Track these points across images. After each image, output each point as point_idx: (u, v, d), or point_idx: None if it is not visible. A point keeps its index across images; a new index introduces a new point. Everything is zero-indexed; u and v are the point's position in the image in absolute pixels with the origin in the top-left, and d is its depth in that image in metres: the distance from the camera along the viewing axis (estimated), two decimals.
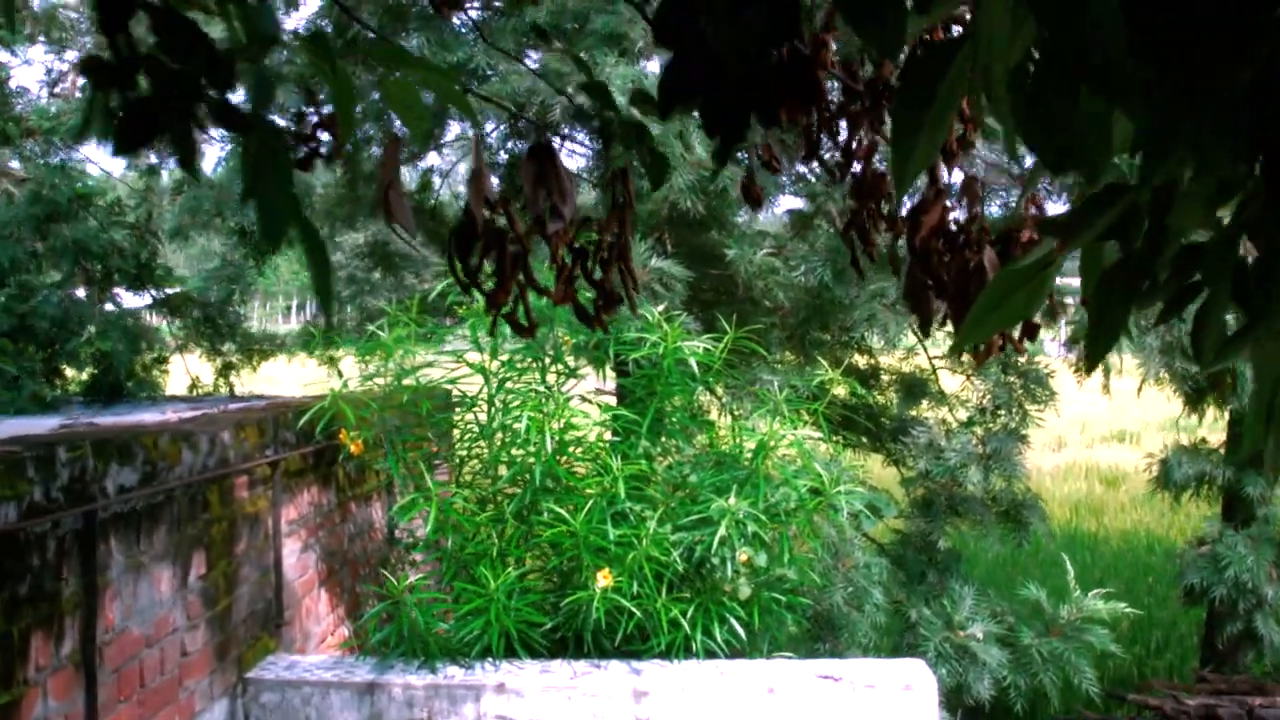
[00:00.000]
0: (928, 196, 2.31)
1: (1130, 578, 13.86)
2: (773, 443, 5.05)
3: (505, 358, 5.55)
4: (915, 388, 7.54)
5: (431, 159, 10.22)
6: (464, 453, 5.63)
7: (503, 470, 5.35)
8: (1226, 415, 9.06)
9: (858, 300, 6.69)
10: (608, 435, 5.52)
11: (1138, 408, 23.04)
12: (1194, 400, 8.98)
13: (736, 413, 6.33)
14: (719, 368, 5.46)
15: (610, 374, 7.46)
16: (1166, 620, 11.74)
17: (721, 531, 4.80)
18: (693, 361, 5.26)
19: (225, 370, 9.68)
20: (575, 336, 5.61)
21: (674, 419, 5.56)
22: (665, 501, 5.17)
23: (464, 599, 4.99)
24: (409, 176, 10.67)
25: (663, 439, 5.63)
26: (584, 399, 5.70)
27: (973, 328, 1.67)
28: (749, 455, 5.26)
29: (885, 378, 8.02)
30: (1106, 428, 26.17)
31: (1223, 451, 8.23)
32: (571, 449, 5.35)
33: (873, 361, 8.09)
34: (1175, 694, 8.21)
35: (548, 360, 5.59)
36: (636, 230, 6.33)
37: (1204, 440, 8.35)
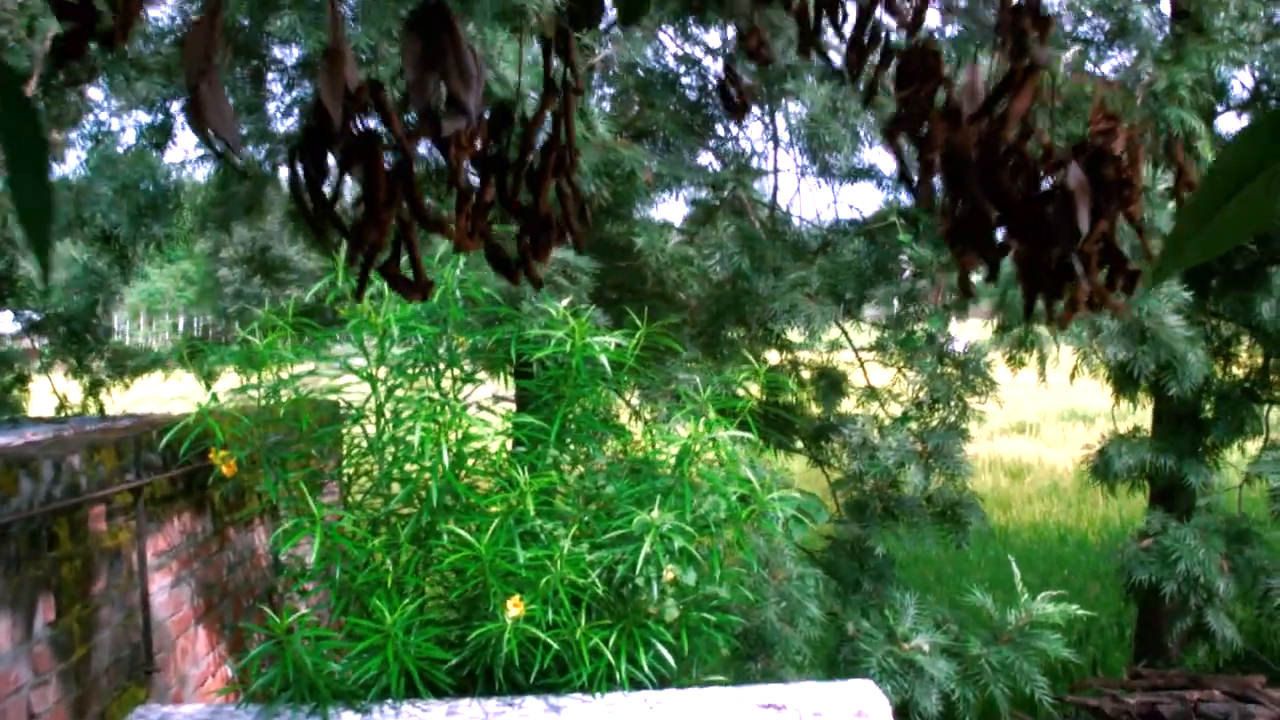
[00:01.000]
0: (1016, 70, 1.58)
1: (1045, 570, 13.59)
2: (697, 447, 4.52)
3: (395, 364, 4.99)
4: (836, 383, 7.10)
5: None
6: (351, 470, 5.06)
7: (396, 488, 4.77)
8: (1152, 404, 8.75)
9: (777, 290, 6.21)
10: (510, 445, 4.97)
11: (1033, 400, 22.99)
12: (1123, 386, 8.65)
13: (650, 415, 5.82)
14: (632, 366, 4.95)
15: (510, 381, 6.95)
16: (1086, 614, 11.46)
17: (646, 548, 4.27)
18: (604, 360, 4.73)
19: (94, 388, 8.99)
20: (471, 337, 5.05)
21: (584, 424, 5.03)
22: (579, 517, 4.64)
23: (358, 634, 4.41)
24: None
25: (572, 446, 5.10)
26: (482, 407, 5.15)
27: (1188, 245, 1.11)
28: (670, 462, 4.74)
29: (806, 374, 7.54)
30: (1005, 420, 26.13)
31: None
32: (471, 462, 4.80)
33: (790, 357, 7.60)
34: (1112, 692, 7.87)
35: (442, 366, 5.03)
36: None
37: (1137, 429, 7.99)
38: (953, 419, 6.33)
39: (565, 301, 4.91)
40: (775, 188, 7.46)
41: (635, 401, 6.32)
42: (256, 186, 9.10)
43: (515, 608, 4.23)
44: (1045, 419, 26.39)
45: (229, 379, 5.72)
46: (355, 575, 4.58)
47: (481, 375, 5.43)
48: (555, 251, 5.84)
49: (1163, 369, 6.68)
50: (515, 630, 4.22)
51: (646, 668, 4.48)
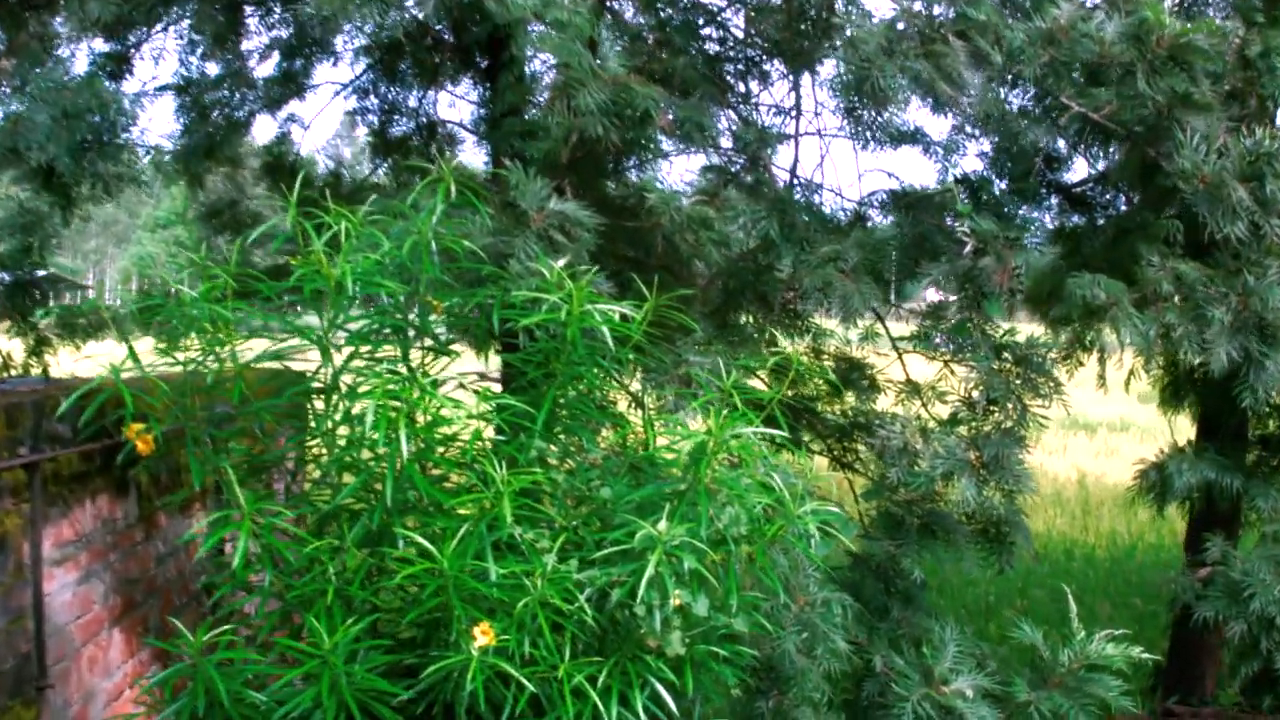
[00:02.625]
0: None
1: (1053, 586, 12.73)
2: (714, 444, 3.65)
3: (355, 328, 4.15)
4: (871, 377, 6.24)
5: (291, 106, 8.81)
6: (298, 455, 4.22)
7: (349, 479, 3.92)
8: (1196, 415, 7.92)
9: (807, 265, 5.34)
10: (489, 432, 4.12)
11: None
12: (1171, 395, 7.82)
13: (656, 404, 4.98)
14: (637, 343, 4.11)
15: (494, 359, 6.11)
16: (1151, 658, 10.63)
17: (650, 569, 3.42)
18: (605, 332, 3.88)
19: (38, 347, 8.13)
20: (447, 299, 4.21)
21: (578, 410, 4.18)
22: (567, 525, 3.80)
23: (294, 659, 3.58)
24: (266, 127, 9.33)
25: (562, 437, 4.25)
26: (461, 385, 4.30)
27: None
28: (680, 461, 3.88)
29: (829, 364, 6.66)
30: None
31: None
32: (441, 451, 3.95)
33: (814, 346, 6.71)
34: None
35: (411, 333, 4.19)
36: (530, 166, 4.93)
37: (1188, 443, 7.14)
38: (1009, 423, 5.48)
39: (562, 262, 4.05)
40: (795, 160, 6.62)
41: (636, 387, 5.46)
42: (223, 131, 8.30)
43: (483, 635, 3.40)
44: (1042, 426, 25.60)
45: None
46: (290, 585, 3.75)
47: (459, 348, 4.60)
48: (553, 202, 4.99)
49: (1233, 375, 5.86)
50: (482, 665, 3.38)
51: (641, 711, 3.65)
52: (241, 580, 3.76)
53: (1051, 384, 5.63)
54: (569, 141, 5.37)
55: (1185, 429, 8.00)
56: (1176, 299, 5.83)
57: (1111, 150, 6.43)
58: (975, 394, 5.52)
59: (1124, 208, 7.13)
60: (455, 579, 3.40)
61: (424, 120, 9.00)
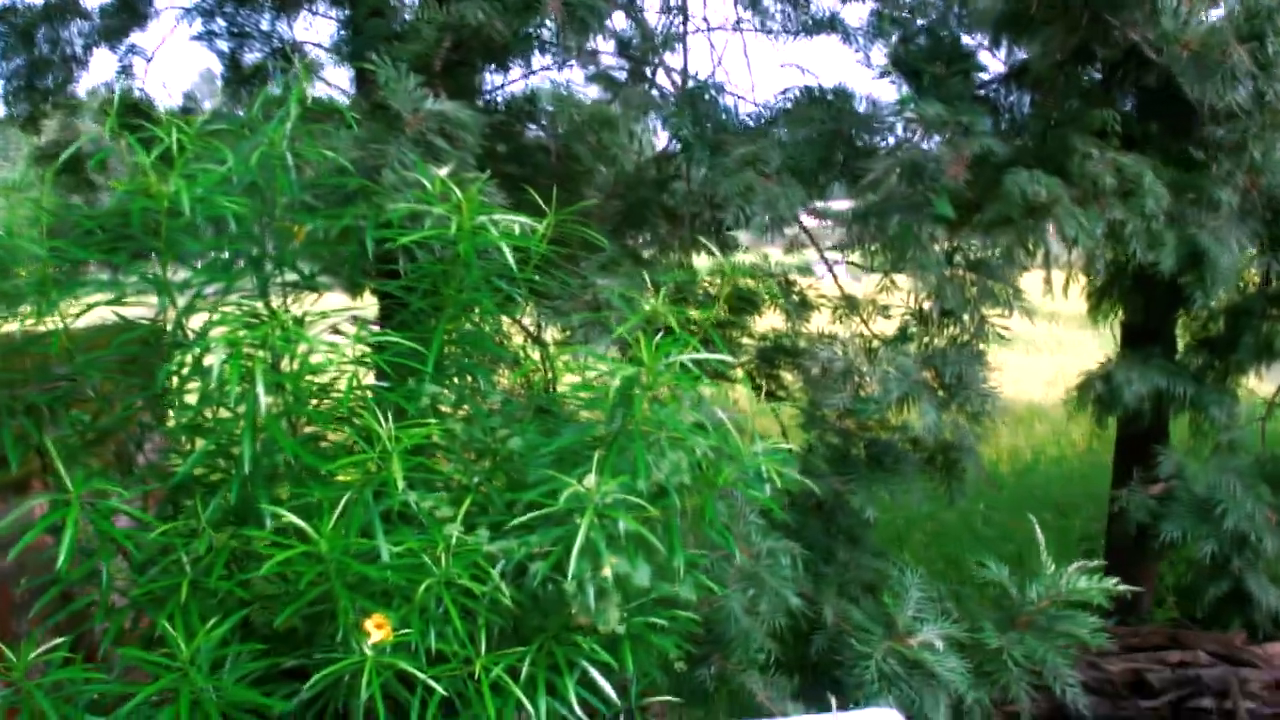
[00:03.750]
0: None
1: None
2: (648, 376, 2.99)
3: (200, 264, 3.43)
4: (785, 291, 5.59)
5: (134, 37, 7.99)
6: (143, 422, 3.50)
7: (200, 444, 3.20)
8: (1120, 320, 7.40)
9: (723, 170, 4.67)
10: (369, 378, 3.43)
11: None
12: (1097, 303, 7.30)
13: (560, 336, 4.33)
14: (536, 264, 3.45)
15: (369, 297, 5.42)
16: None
17: (581, 535, 2.77)
18: (505, 249, 3.20)
19: None
20: (310, 221, 3.49)
21: (474, 345, 3.51)
22: (471, 486, 3.14)
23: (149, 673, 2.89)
24: (105, 60, 8.51)
25: (456, 379, 3.56)
26: (335, 330, 3.59)
27: None
28: (604, 400, 3.21)
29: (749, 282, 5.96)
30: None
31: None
32: (313, 404, 3.26)
33: (727, 258, 6.00)
34: (1089, 658, 6.63)
35: (268, 267, 3.48)
36: (401, 61, 4.18)
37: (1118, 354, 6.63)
38: (966, 337, 4.88)
39: (445, 171, 3.35)
40: (685, 65, 5.91)
41: (529, 321, 4.79)
42: (55, 66, 7.47)
43: (378, 630, 2.73)
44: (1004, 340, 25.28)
45: None
46: (134, 582, 3.04)
47: (328, 283, 3.91)
48: (429, 102, 4.28)
49: (1179, 274, 5.36)
50: (379, 664, 2.72)
51: (573, 698, 3.01)
52: (72, 580, 3.04)
53: (1010, 291, 5.00)
54: (443, 45, 4.66)
55: (1108, 342, 7.51)
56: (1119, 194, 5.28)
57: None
58: (927, 305, 4.89)
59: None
60: (338, 562, 2.73)
61: (279, 44, 8.17)
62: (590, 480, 2.84)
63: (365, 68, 4.32)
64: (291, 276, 3.58)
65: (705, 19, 6.30)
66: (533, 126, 5.48)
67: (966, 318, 4.86)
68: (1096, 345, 7.87)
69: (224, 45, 8.24)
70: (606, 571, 2.88)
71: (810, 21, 5.43)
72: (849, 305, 5.53)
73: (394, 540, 2.82)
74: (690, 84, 5.33)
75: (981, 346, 4.93)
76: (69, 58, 7.93)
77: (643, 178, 5.31)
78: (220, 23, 8.08)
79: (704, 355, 3.09)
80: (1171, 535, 5.63)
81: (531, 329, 4.97)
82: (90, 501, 3.01)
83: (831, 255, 5.82)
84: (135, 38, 8.38)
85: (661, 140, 5.81)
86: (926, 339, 4.98)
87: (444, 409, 3.34)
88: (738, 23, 6.46)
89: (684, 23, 6.01)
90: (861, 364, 4.66)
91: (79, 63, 8.05)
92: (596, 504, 2.80)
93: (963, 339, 4.90)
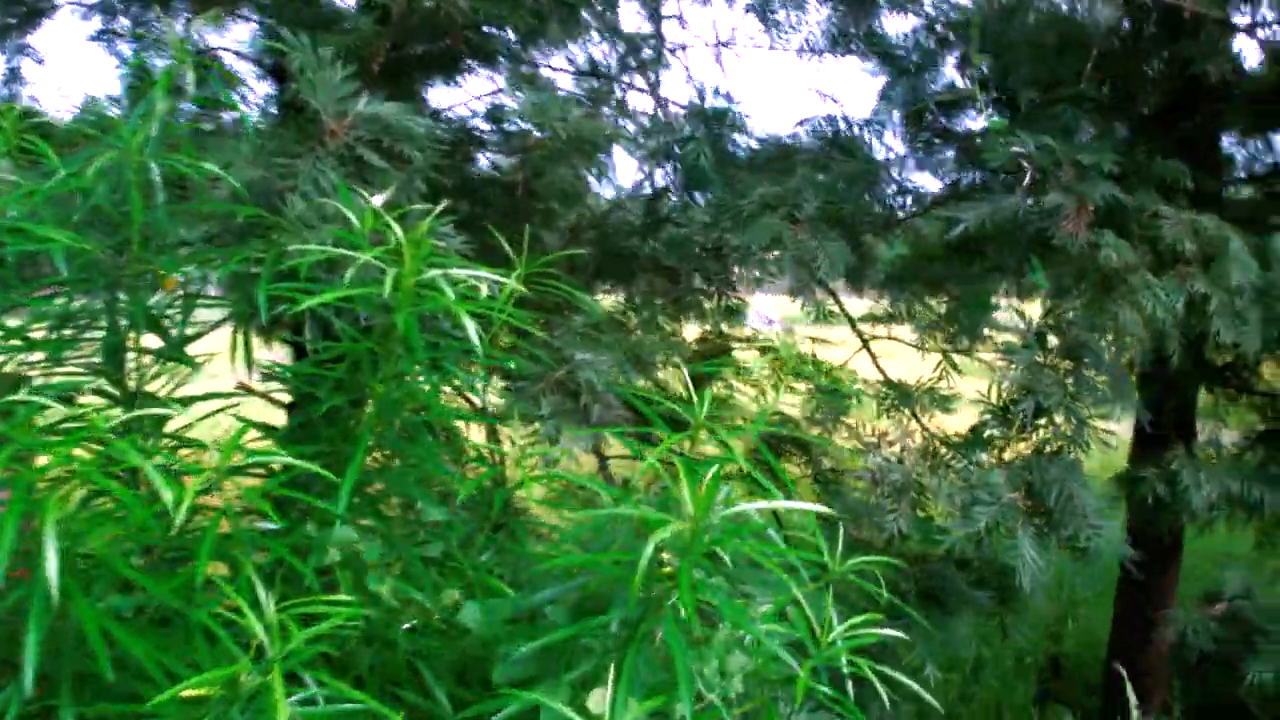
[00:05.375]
0: None
1: None
2: (693, 531, 1.87)
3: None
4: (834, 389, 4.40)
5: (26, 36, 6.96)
6: None
7: None
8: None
9: (742, 213, 3.55)
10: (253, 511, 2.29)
11: None
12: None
13: (525, 438, 3.25)
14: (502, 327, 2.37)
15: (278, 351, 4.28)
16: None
17: None
18: (468, 322, 2.07)
19: None
20: (178, 267, 2.36)
21: (420, 458, 2.38)
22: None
23: None
24: None
25: (381, 506, 2.40)
26: (230, 407, 2.46)
27: None
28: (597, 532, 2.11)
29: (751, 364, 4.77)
30: None
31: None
32: (145, 558, 2.11)
33: (731, 331, 4.79)
34: None
35: (122, 323, 2.36)
36: (337, 53, 2.99)
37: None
38: (1060, 443, 3.72)
39: (380, 199, 2.23)
40: (657, 82, 4.79)
41: (492, 399, 3.62)
42: None
43: None
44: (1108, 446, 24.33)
45: None
46: None
47: (213, 346, 2.78)
48: (363, 102, 3.10)
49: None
50: None
51: None
52: None
53: (1107, 382, 3.88)
54: (383, 42, 3.58)
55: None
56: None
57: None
58: (1014, 399, 3.72)
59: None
60: None
61: (191, 49, 7.06)
62: (599, 700, 1.74)
63: (276, 48, 3.18)
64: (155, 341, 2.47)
65: (715, 35, 5.26)
66: (487, 155, 4.39)
67: (1062, 418, 3.71)
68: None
69: (127, 48, 7.18)
70: None
71: (837, 35, 4.33)
72: (899, 394, 4.30)
73: None
74: (701, 102, 4.23)
75: (1076, 455, 3.78)
76: None
77: (622, 220, 4.21)
78: (123, 21, 7.01)
79: (786, 503, 1.98)
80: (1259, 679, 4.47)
81: (482, 407, 3.81)
82: None
83: (863, 326, 4.65)
84: (28, 37, 7.39)
85: (634, 174, 4.65)
86: (1004, 443, 3.82)
87: (371, 564, 2.18)
88: (725, 42, 5.48)
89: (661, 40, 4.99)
90: (923, 475, 3.54)
91: None
92: None
93: (1055, 445, 3.76)
